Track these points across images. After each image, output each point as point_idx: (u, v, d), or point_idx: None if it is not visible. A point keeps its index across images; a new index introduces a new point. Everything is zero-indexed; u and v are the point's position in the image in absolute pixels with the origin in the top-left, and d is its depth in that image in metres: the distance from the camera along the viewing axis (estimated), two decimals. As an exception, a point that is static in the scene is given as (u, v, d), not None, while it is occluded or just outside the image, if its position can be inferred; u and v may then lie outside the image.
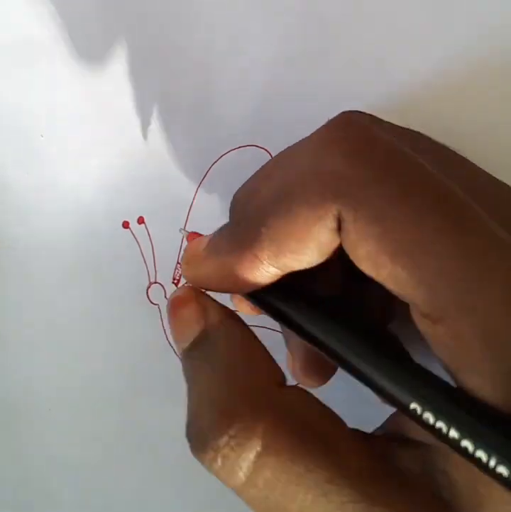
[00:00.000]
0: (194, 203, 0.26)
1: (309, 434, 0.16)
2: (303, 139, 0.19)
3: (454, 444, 0.15)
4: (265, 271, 0.18)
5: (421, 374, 0.16)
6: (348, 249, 0.16)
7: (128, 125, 0.25)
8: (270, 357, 0.18)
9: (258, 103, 0.24)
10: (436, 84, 0.24)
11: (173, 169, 0.25)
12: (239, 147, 0.25)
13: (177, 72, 0.25)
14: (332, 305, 0.18)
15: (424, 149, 0.18)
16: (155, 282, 0.26)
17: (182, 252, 0.25)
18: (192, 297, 0.19)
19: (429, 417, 0.15)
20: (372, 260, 0.15)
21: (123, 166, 0.25)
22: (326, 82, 0.24)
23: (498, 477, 0.14)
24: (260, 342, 0.18)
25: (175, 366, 0.26)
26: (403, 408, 0.16)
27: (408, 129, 0.20)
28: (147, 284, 0.26)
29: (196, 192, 0.25)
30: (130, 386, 0.26)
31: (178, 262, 0.26)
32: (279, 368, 0.18)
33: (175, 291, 0.20)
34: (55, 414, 0.26)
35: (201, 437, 0.16)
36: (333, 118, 0.18)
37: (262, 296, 0.19)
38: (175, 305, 0.19)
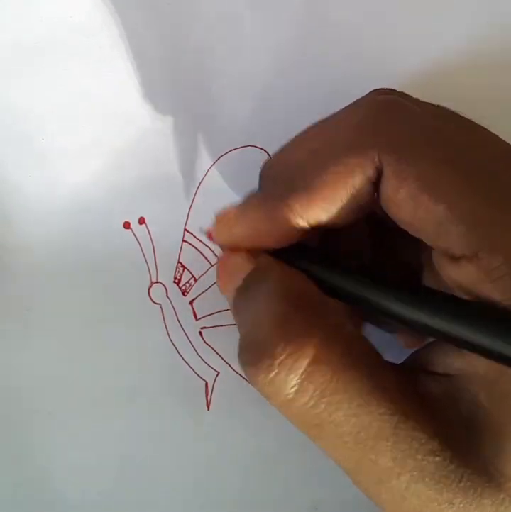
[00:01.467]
0: (194, 203, 0.26)
1: (355, 349, 0.17)
2: (338, 110, 0.20)
3: (490, 353, 0.16)
4: (295, 223, 0.18)
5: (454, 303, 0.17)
6: (387, 195, 0.17)
7: (128, 125, 0.25)
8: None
9: (258, 103, 0.25)
10: (435, 86, 0.24)
11: (173, 169, 0.25)
12: (239, 148, 0.25)
13: (177, 72, 0.25)
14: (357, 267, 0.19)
15: (448, 119, 0.19)
16: (157, 282, 0.26)
17: (182, 251, 0.26)
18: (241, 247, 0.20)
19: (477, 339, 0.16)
20: (411, 201, 0.16)
21: (123, 166, 0.25)
22: (326, 82, 0.24)
23: None
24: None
25: (177, 366, 0.26)
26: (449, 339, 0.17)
27: (432, 104, 0.21)
28: (148, 283, 0.26)
29: (196, 192, 0.26)
30: (132, 386, 0.26)
31: (179, 262, 0.26)
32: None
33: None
34: (55, 416, 0.26)
35: (256, 349, 0.17)
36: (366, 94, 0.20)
37: (290, 257, 0.19)
38: (225, 254, 0.20)
